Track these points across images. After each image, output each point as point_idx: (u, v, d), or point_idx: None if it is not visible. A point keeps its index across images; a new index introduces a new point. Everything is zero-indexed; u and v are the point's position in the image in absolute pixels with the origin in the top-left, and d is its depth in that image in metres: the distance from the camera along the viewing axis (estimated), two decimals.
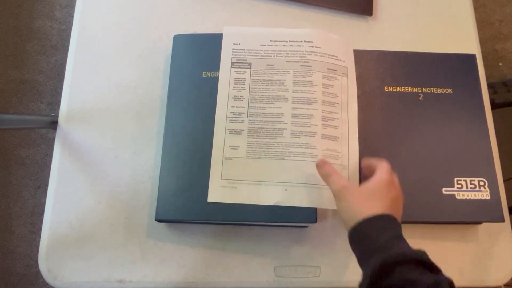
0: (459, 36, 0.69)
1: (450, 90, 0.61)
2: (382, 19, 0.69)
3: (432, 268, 0.39)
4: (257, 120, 0.54)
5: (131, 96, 0.61)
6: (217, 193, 0.51)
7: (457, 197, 0.55)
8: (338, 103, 0.55)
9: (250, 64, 0.56)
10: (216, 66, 0.58)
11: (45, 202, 0.56)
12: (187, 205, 0.52)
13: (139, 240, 0.55)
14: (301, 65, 0.55)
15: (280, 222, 0.54)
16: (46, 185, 0.57)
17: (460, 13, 0.70)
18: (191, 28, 0.65)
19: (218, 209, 0.51)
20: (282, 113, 0.53)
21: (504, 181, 0.60)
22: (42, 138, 1.37)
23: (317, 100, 0.54)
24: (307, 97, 0.54)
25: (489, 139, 0.59)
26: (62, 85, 0.62)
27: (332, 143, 0.53)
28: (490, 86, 1.19)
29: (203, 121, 0.55)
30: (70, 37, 0.64)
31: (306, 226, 0.56)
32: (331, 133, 0.53)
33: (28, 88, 1.41)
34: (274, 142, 0.53)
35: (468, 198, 0.55)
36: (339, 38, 0.59)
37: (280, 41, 0.57)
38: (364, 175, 0.52)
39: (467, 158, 0.57)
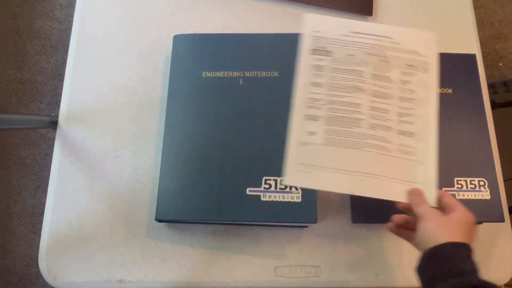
0: (459, 36, 0.69)
1: (450, 90, 0.61)
2: (382, 19, 0.69)
3: None
4: (334, 108, 0.53)
5: (131, 96, 0.61)
6: (293, 177, 0.50)
7: (457, 197, 0.55)
8: (415, 99, 0.54)
9: (330, 52, 0.55)
10: (216, 66, 0.58)
11: (45, 202, 0.56)
12: (187, 205, 0.52)
13: (139, 240, 0.55)
14: (380, 60, 0.55)
15: (280, 222, 0.54)
16: (46, 185, 0.57)
17: (460, 13, 0.71)
18: (191, 28, 0.65)
19: (218, 209, 0.51)
20: (360, 104, 0.53)
21: (504, 181, 0.60)
22: (42, 138, 1.37)
23: (393, 96, 0.54)
24: (384, 92, 0.54)
25: (489, 139, 0.59)
26: (62, 85, 0.62)
27: (408, 139, 0.53)
28: (490, 86, 1.19)
29: (203, 121, 0.55)
30: (70, 37, 0.64)
31: (306, 226, 0.56)
32: (406, 129, 0.53)
33: (28, 88, 1.41)
34: (351, 131, 0.52)
35: (468, 198, 0.55)
36: (422, 33, 0.57)
37: (360, 33, 0.56)
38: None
39: (467, 158, 0.57)
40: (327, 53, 0.55)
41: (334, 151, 0.51)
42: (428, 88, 0.54)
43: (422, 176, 0.52)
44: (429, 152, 0.52)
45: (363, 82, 0.54)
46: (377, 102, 0.53)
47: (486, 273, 0.55)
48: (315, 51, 0.55)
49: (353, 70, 0.54)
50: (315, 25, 0.56)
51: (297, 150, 0.51)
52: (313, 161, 0.51)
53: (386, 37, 0.56)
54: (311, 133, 0.52)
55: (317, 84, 0.53)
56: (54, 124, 0.60)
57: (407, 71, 0.55)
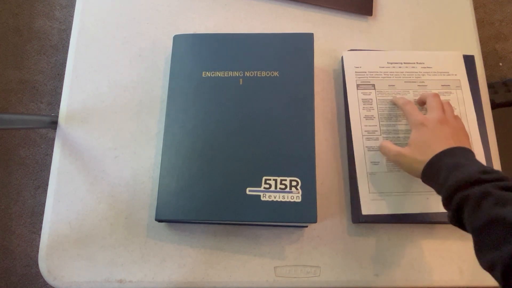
0: (459, 36, 0.69)
1: None
2: (382, 19, 0.69)
3: (482, 180, 0.41)
4: (390, 137, 0.57)
5: (131, 96, 0.61)
6: (369, 206, 0.54)
7: None
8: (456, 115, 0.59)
9: (373, 85, 0.60)
10: (216, 66, 0.58)
11: (45, 202, 0.56)
12: (187, 205, 0.52)
13: (139, 240, 0.55)
14: (418, 85, 0.60)
15: (280, 222, 0.54)
16: (46, 185, 0.57)
17: (460, 13, 0.71)
18: (191, 28, 0.65)
19: (218, 209, 0.51)
20: (409, 129, 0.57)
21: None
22: (42, 138, 1.37)
23: None
24: None
25: (489, 139, 0.59)
26: (62, 85, 0.62)
27: None
28: (490, 86, 1.19)
29: (203, 121, 0.55)
30: (70, 37, 0.64)
31: (306, 226, 0.56)
32: None
33: (28, 88, 1.41)
34: None
35: None
36: (449, 54, 0.62)
37: (396, 63, 0.61)
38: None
39: None
40: (371, 86, 0.59)
41: (398, 177, 0.56)
42: (464, 103, 0.60)
43: None
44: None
45: None
46: None
47: (486, 273, 0.55)
48: (361, 86, 0.60)
49: None
50: (354, 61, 0.61)
51: (366, 181, 0.56)
52: (382, 188, 0.55)
53: (419, 63, 0.61)
54: (375, 163, 0.56)
55: (369, 117, 0.58)
56: (54, 124, 0.60)
57: (443, 91, 0.60)
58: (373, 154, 0.57)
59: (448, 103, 0.54)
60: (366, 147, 0.57)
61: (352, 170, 0.57)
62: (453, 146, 0.46)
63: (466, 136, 0.51)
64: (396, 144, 0.55)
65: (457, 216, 0.42)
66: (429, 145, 0.47)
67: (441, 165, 0.45)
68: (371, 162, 0.56)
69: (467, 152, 0.46)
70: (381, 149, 0.55)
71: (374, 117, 0.58)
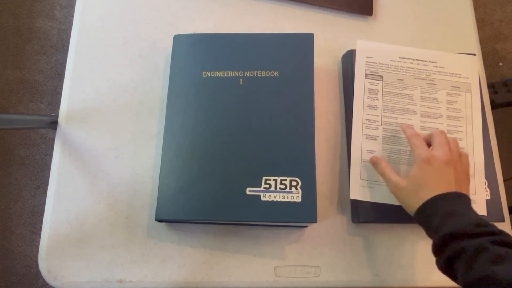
0: (459, 36, 0.69)
1: None
2: (382, 19, 0.69)
3: (477, 234, 0.41)
4: (390, 129, 0.58)
5: (131, 96, 0.61)
6: (357, 192, 0.55)
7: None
8: (462, 117, 0.59)
9: (382, 77, 0.60)
10: (216, 66, 0.58)
11: (45, 202, 0.56)
12: (187, 205, 0.52)
13: (139, 240, 0.55)
14: (427, 83, 0.60)
15: (280, 222, 0.54)
16: (46, 185, 0.57)
17: (460, 13, 0.71)
18: (191, 28, 0.66)
19: (218, 209, 0.51)
20: (412, 125, 0.57)
21: (504, 181, 0.60)
22: (42, 138, 1.37)
23: (442, 116, 0.58)
24: (433, 112, 0.58)
25: (489, 139, 0.59)
26: (62, 85, 0.62)
27: None
28: (490, 86, 1.19)
29: (203, 121, 0.55)
30: (70, 37, 0.64)
31: (306, 226, 0.56)
32: None
33: (28, 88, 1.41)
34: (406, 150, 0.56)
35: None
36: (463, 57, 0.62)
37: (408, 58, 0.61)
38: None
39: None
40: (379, 77, 0.60)
41: (392, 168, 0.55)
42: (472, 107, 0.60)
43: (474, 187, 0.55)
44: (477, 166, 0.57)
45: (414, 105, 0.59)
46: (428, 122, 0.58)
47: None
48: (369, 75, 0.60)
49: (403, 94, 0.59)
50: (366, 51, 0.61)
51: (359, 167, 0.56)
52: (373, 177, 0.55)
53: (431, 61, 0.61)
54: (370, 151, 0.56)
55: (373, 107, 0.58)
56: (54, 124, 0.60)
57: (452, 92, 0.60)
58: (370, 142, 0.57)
59: (455, 141, 0.51)
60: (365, 135, 0.57)
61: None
62: (453, 191, 0.45)
63: (467, 180, 0.49)
64: (393, 141, 0.56)
65: (448, 264, 0.41)
66: (429, 184, 0.46)
67: (437, 209, 0.44)
68: (367, 150, 0.56)
69: (465, 200, 0.45)
70: (380, 172, 0.52)
71: (378, 108, 0.58)
